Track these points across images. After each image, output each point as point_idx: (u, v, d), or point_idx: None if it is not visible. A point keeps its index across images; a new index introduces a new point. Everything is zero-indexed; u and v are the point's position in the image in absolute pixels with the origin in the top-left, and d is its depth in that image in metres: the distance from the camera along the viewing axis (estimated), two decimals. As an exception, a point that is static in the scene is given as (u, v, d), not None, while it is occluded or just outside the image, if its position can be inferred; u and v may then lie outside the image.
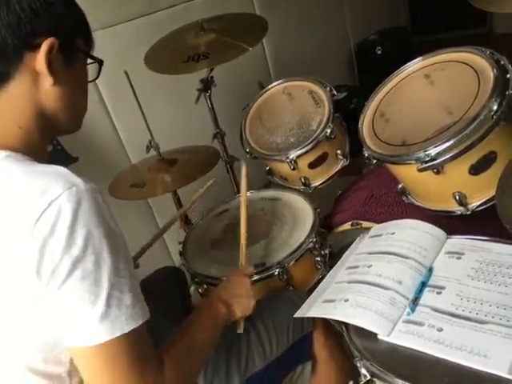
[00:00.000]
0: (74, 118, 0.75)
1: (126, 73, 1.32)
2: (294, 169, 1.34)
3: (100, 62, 0.76)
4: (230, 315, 0.88)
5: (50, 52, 0.65)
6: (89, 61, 0.75)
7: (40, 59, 0.64)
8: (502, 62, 1.01)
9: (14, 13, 0.62)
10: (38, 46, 0.64)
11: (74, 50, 0.70)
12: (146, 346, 0.64)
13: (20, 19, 0.63)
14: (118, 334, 0.60)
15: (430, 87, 1.14)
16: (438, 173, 1.00)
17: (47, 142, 0.73)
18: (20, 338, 0.63)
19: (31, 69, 0.65)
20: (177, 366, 0.68)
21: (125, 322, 0.60)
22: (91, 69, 0.75)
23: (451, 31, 3.19)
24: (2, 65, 0.64)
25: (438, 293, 0.81)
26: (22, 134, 0.67)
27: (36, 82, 0.66)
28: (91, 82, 0.77)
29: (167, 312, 1.09)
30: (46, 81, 0.66)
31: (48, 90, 0.67)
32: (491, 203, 1.01)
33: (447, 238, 0.93)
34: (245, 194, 1.15)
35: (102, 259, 0.59)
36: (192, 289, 1.40)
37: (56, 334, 0.62)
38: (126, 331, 0.60)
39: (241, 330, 0.92)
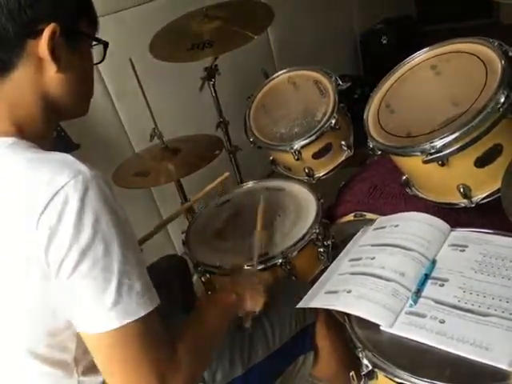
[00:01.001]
0: (81, 102, 0.74)
1: (130, 60, 1.31)
2: (297, 159, 1.34)
3: (105, 44, 0.74)
4: (239, 305, 0.88)
5: (52, 38, 0.63)
6: (94, 43, 0.73)
7: (42, 46, 0.63)
8: (511, 54, 1.00)
9: None
10: (40, 33, 0.63)
11: (78, 34, 0.69)
12: (157, 332, 0.64)
13: (20, 5, 0.61)
14: (129, 321, 0.60)
15: (437, 78, 1.13)
16: (442, 165, 0.99)
17: (52, 129, 0.73)
18: (25, 323, 0.63)
19: (34, 56, 0.64)
20: (191, 351, 0.68)
21: (135, 308, 0.60)
22: (96, 51, 0.74)
23: (457, 21, 3.16)
24: (5, 53, 0.63)
25: (441, 285, 0.81)
26: (27, 121, 0.67)
27: (40, 69, 0.65)
28: (97, 64, 0.76)
29: (170, 300, 1.10)
30: (50, 67, 0.65)
31: (52, 77, 0.66)
32: (496, 196, 1.00)
33: (451, 230, 0.92)
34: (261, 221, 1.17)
35: (111, 246, 0.59)
36: (195, 277, 1.40)
37: (62, 320, 0.62)
38: (137, 317, 0.60)
39: (248, 325, 0.93)
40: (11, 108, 0.66)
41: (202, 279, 1.25)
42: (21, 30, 0.62)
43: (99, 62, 0.77)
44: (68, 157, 0.62)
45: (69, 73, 0.68)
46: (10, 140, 0.64)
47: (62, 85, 0.68)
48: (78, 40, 0.69)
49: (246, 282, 0.94)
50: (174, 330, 0.70)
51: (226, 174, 1.29)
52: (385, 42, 2.79)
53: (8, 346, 0.66)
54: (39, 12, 0.63)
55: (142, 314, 0.61)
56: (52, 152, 0.64)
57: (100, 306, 0.59)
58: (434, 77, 1.14)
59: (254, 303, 0.92)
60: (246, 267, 1.09)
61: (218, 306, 0.83)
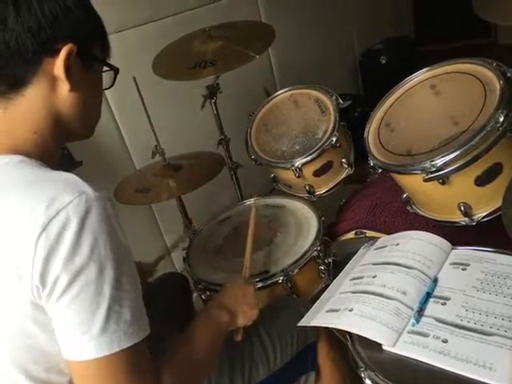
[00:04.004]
0: (88, 124, 0.76)
1: (134, 79, 1.33)
2: (298, 176, 1.35)
3: (116, 70, 0.76)
4: (231, 324, 0.87)
5: (68, 58, 0.65)
6: (104, 68, 0.75)
7: (58, 64, 0.65)
8: (509, 74, 1.01)
9: (34, 17, 0.63)
10: (57, 52, 0.64)
11: (91, 57, 0.71)
12: (143, 362, 0.63)
13: (40, 24, 0.63)
14: (116, 350, 0.59)
15: (436, 98, 1.15)
16: (443, 183, 1.00)
17: (60, 149, 0.73)
18: (21, 346, 0.62)
19: (49, 74, 0.65)
20: (178, 378, 0.67)
21: (123, 337, 0.59)
22: (105, 76, 0.76)
23: (455, 41, 3.20)
24: (21, 69, 0.64)
25: (443, 304, 0.81)
26: (36, 138, 0.67)
27: (53, 87, 0.67)
28: (106, 89, 0.77)
29: (170, 318, 1.09)
30: (63, 86, 0.67)
31: (64, 96, 0.68)
32: (496, 214, 1.01)
33: (452, 248, 0.92)
34: (252, 225, 1.15)
35: (105, 270, 0.59)
36: (195, 295, 1.40)
37: (57, 343, 0.61)
38: (124, 347, 0.59)
39: (239, 338, 0.91)
40: (21, 125, 0.67)
41: (203, 297, 1.24)
42: (39, 48, 0.64)
43: (109, 88, 0.78)
44: (73, 177, 0.62)
45: (80, 93, 0.69)
46: (19, 157, 0.64)
47: (73, 104, 0.69)
48: (91, 63, 0.71)
49: (237, 297, 0.91)
50: (162, 355, 0.69)
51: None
52: (384, 61, 2.83)
53: (4, 369, 0.64)
54: (58, 32, 0.65)
55: (129, 344, 0.60)
56: (58, 171, 0.64)
57: (87, 333, 0.58)
58: (434, 96, 1.15)
59: (246, 319, 0.90)
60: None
61: (210, 328, 0.81)
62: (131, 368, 0.60)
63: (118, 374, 0.60)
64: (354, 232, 1.37)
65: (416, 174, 1.02)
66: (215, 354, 0.80)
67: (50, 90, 0.67)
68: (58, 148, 0.72)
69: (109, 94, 1.74)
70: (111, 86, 0.78)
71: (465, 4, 1.46)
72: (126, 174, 1.61)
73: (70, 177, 0.62)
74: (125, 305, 0.60)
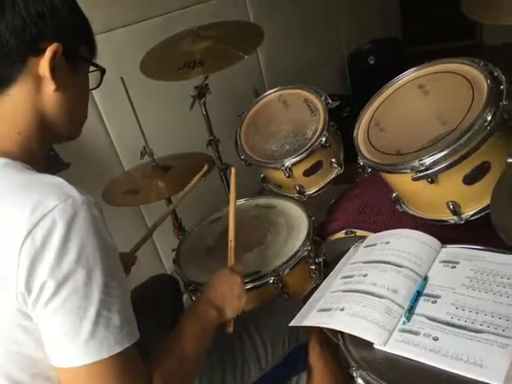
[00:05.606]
0: (74, 125, 0.75)
1: (122, 79, 1.32)
2: (288, 176, 1.35)
3: (102, 71, 0.75)
4: (220, 319, 0.85)
5: (53, 57, 0.64)
6: (91, 68, 0.74)
7: (43, 64, 0.64)
8: (496, 74, 1.02)
9: (19, 16, 0.62)
10: (42, 51, 0.64)
11: (77, 57, 0.70)
12: (134, 367, 0.62)
13: (25, 23, 0.62)
14: (105, 356, 0.58)
15: (424, 97, 1.15)
16: (432, 182, 1.00)
17: (46, 150, 0.72)
18: (7, 352, 0.61)
19: (34, 73, 0.65)
20: (169, 381, 0.66)
21: (112, 343, 0.58)
22: (92, 77, 0.75)
23: (441, 42, 3.24)
24: (5, 68, 0.63)
25: (434, 302, 0.81)
26: (21, 140, 0.66)
27: (38, 87, 0.66)
28: (93, 89, 0.76)
29: (160, 320, 1.08)
30: (49, 86, 0.66)
31: (50, 96, 0.67)
32: (485, 213, 1.01)
33: (442, 247, 0.93)
34: (233, 192, 1.10)
35: (93, 275, 0.57)
36: (185, 297, 1.39)
37: (44, 349, 0.60)
38: (113, 353, 0.58)
39: (231, 330, 0.90)
40: (5, 126, 0.66)
41: (193, 298, 1.23)
42: (23, 47, 0.63)
43: (95, 88, 0.77)
44: (60, 180, 0.61)
45: (66, 93, 0.68)
46: (3, 160, 0.63)
47: (58, 105, 0.68)
48: (77, 63, 0.70)
49: (224, 291, 0.88)
50: (153, 357, 0.68)
51: (205, 167, 1.27)
52: (372, 62, 2.85)
53: None
54: (43, 31, 0.64)
55: (119, 349, 0.59)
56: (45, 174, 0.63)
57: (75, 339, 0.57)
58: (422, 96, 1.16)
59: (235, 311, 0.88)
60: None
61: (199, 326, 0.79)
62: (121, 374, 0.59)
63: (107, 380, 0.59)
64: (344, 231, 1.37)
65: (405, 173, 1.03)
66: (205, 351, 0.78)
67: (35, 89, 0.66)
68: (44, 150, 0.71)
69: (96, 94, 1.73)
70: (98, 86, 0.77)
71: (452, 5, 1.47)
72: (115, 176, 1.59)
73: (55, 180, 0.61)
74: (114, 310, 0.59)
